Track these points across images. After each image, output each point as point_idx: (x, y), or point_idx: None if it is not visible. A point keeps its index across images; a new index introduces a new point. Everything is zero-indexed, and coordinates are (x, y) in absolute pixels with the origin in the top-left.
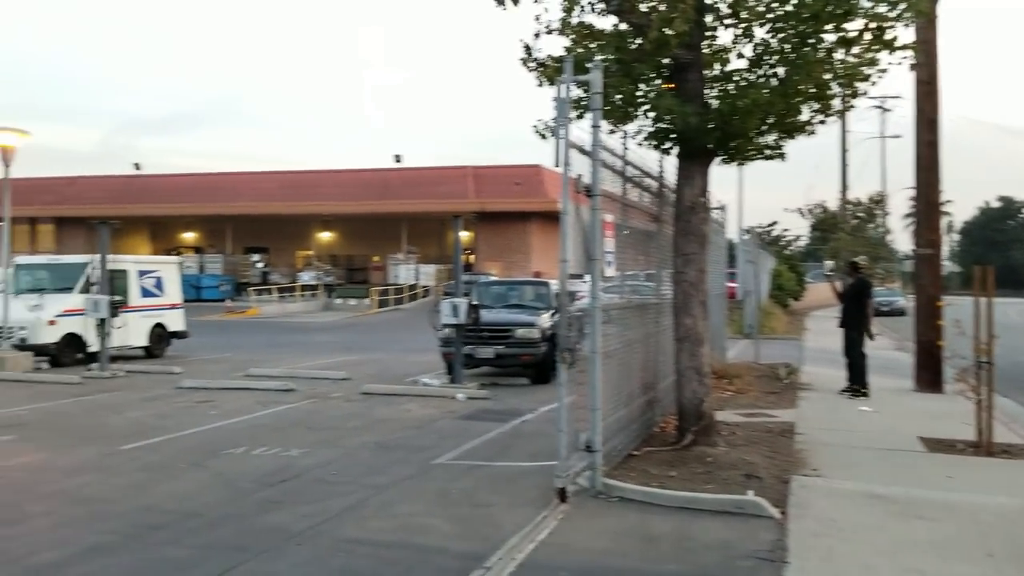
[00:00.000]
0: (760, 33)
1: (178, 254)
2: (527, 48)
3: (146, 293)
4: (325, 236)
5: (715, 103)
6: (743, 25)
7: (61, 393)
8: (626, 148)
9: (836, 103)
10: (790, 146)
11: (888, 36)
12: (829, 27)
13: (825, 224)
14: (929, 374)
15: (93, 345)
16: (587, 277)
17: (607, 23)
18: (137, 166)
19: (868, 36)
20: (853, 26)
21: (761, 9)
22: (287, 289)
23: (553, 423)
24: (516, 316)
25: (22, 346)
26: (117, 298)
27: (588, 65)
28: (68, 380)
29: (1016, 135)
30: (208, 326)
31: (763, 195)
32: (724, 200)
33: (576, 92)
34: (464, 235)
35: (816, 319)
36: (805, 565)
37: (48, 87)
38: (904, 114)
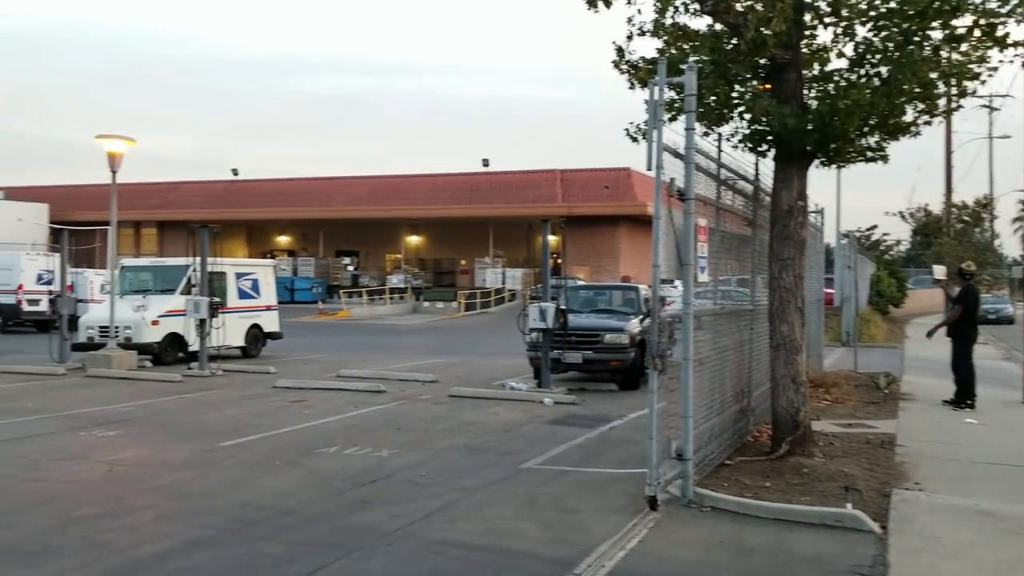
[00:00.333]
0: (862, 31)
1: (273, 257)
2: (619, 50)
3: (243, 295)
4: (414, 240)
5: (814, 104)
6: (844, 23)
7: (163, 391)
8: (720, 151)
9: (942, 103)
10: (892, 148)
11: (999, 33)
12: (936, 24)
13: (928, 228)
14: None
15: (193, 344)
16: (678, 282)
17: (701, 23)
18: (235, 171)
19: (977, 33)
20: (961, 23)
21: (863, 7)
22: (376, 292)
23: (642, 430)
24: (605, 321)
25: (127, 345)
26: (216, 299)
27: (682, 67)
28: (170, 378)
29: None
30: (301, 327)
31: (862, 198)
32: (821, 203)
33: (669, 94)
34: (552, 239)
35: (917, 326)
36: None
37: (150, 93)
38: (1014, 113)
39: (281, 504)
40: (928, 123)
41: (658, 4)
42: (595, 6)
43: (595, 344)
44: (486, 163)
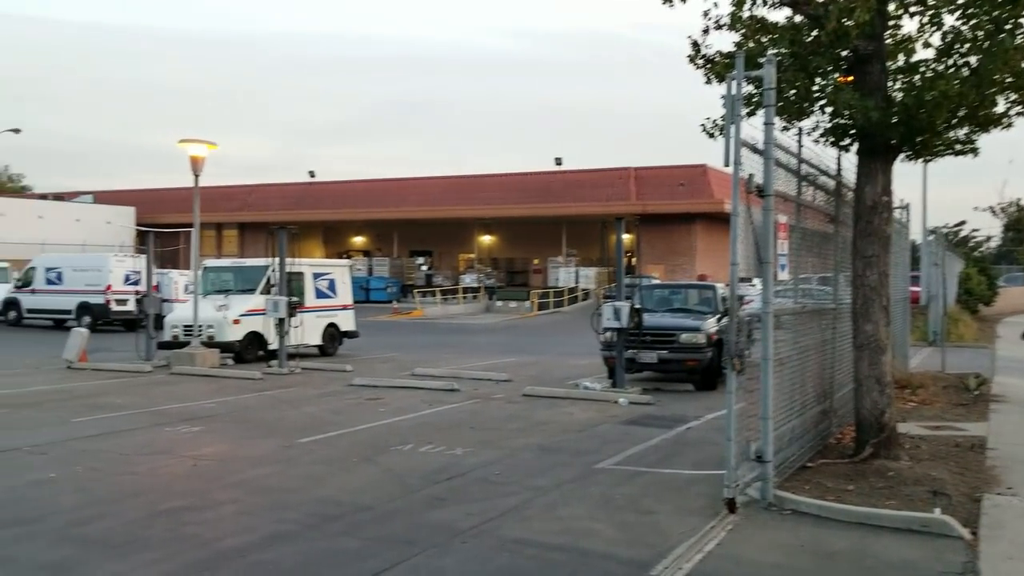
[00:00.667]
0: (949, 20)
1: (348, 257)
2: (695, 45)
3: (320, 294)
4: (486, 239)
5: (899, 96)
6: (930, 12)
7: (244, 388)
8: (801, 145)
9: None
10: (982, 140)
11: None
12: None
13: (1020, 224)
14: None
15: (272, 343)
16: (757, 281)
17: (780, 15)
18: (312, 174)
19: None
20: None
21: None
22: (450, 291)
23: (719, 431)
24: (680, 320)
25: (209, 343)
26: (294, 299)
27: (760, 60)
28: (250, 376)
29: None
30: (376, 326)
31: (950, 192)
32: (907, 199)
33: (747, 88)
34: (625, 237)
35: (1009, 325)
36: None
37: (226, 98)
38: None
39: (357, 500)
40: (1021, 114)
41: None
42: (670, 1)
43: (671, 344)
44: (559, 162)
